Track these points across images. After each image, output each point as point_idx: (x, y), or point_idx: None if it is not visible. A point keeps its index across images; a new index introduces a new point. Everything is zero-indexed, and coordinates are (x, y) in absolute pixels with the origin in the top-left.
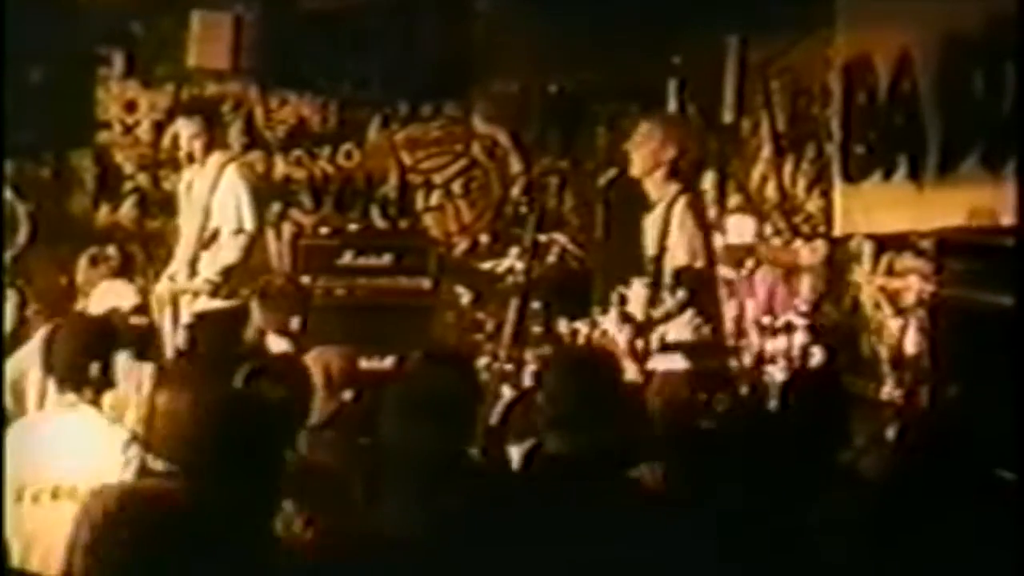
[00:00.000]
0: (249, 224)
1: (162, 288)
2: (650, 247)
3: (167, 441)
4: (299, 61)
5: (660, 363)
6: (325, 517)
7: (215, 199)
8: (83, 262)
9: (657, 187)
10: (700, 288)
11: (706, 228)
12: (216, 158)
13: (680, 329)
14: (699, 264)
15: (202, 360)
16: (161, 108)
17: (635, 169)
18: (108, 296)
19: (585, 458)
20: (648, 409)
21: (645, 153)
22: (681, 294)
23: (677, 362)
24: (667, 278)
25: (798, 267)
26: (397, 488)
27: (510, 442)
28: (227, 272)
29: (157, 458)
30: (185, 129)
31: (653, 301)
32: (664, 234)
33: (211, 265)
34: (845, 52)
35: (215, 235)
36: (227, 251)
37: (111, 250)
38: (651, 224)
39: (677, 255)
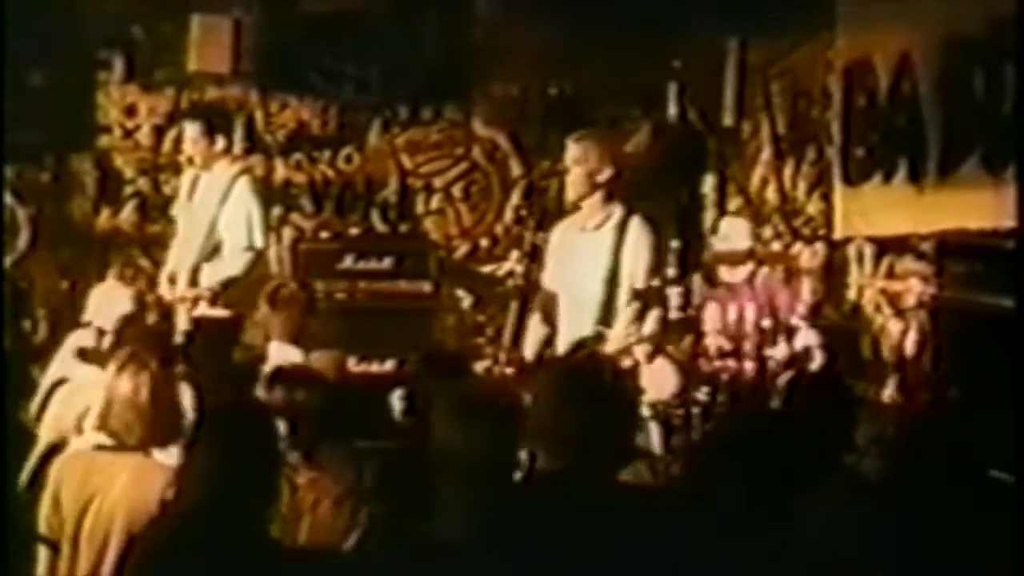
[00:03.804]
0: (259, 242)
1: (161, 292)
2: (601, 269)
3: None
4: (299, 65)
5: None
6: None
7: (223, 211)
8: (114, 272)
9: (596, 210)
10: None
11: (660, 246)
12: (227, 166)
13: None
14: (656, 283)
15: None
16: (161, 112)
17: (570, 194)
18: (103, 299)
19: (576, 470)
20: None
21: (579, 176)
22: (652, 322)
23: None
24: (624, 300)
25: (799, 270)
26: (447, 492)
27: None
28: (228, 284)
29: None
30: (190, 132)
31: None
32: (619, 256)
33: (213, 276)
34: (845, 54)
35: (218, 246)
36: (231, 264)
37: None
38: (597, 246)
39: (637, 276)
